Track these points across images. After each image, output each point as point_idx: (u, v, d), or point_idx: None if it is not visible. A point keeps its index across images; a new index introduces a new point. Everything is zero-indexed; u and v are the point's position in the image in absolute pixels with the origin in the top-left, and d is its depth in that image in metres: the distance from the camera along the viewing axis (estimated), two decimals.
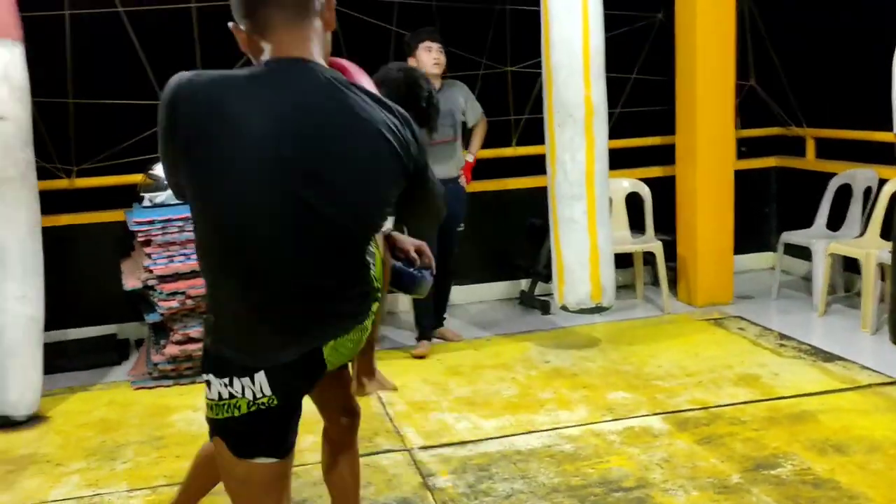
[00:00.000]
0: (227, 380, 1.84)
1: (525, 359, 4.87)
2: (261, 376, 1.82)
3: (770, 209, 6.76)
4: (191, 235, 4.42)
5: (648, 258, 6.02)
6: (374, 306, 2.02)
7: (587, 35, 4.58)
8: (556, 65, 4.62)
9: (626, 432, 3.83)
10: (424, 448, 3.77)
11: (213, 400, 1.87)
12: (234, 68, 1.85)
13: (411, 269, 2.46)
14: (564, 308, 4.89)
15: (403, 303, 6.02)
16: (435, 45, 4.93)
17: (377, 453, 3.73)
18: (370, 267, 1.98)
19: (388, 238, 2.44)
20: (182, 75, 1.75)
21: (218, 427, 1.90)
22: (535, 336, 5.29)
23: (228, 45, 2.05)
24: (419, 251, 2.47)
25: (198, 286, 4.53)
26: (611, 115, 6.18)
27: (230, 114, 1.70)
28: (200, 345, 4.54)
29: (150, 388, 4.64)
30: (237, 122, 1.69)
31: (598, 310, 4.88)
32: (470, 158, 5.23)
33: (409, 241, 2.49)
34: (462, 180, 5.11)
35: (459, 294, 6.19)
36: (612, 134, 6.20)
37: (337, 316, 1.89)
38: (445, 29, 5.87)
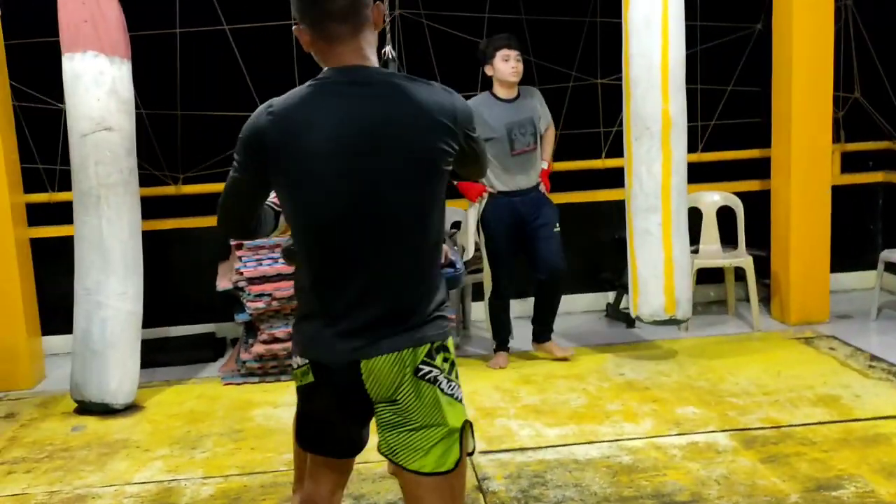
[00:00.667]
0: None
1: (600, 370, 4.88)
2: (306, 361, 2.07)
3: (875, 226, 6.50)
4: (278, 240, 4.67)
5: (742, 273, 5.90)
6: (433, 354, 2.00)
7: (666, 48, 4.58)
8: (635, 79, 4.64)
9: (690, 447, 3.80)
10: (485, 452, 3.85)
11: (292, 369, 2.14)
12: None
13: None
14: (639, 319, 4.88)
15: (479, 312, 6.09)
16: (513, 53, 4.76)
17: None
18: (438, 291, 2.05)
19: None
20: (259, 113, 2.01)
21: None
22: (615, 348, 5.28)
23: None
24: None
25: (283, 288, 4.76)
26: (705, 127, 6.17)
27: (304, 130, 1.94)
28: (285, 345, 4.77)
29: (237, 384, 4.90)
30: (311, 135, 1.94)
31: (673, 322, 4.84)
32: (545, 165, 5.15)
33: None
34: (542, 187, 5.07)
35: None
36: (706, 146, 6.18)
37: (381, 326, 1.97)
38: (535, 41, 5.97)
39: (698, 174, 6.10)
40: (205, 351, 5.47)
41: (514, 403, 4.44)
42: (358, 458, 2.23)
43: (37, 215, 5.46)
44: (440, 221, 2.07)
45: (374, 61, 2.03)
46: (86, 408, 4.57)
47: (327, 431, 2.13)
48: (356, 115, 1.94)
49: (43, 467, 3.94)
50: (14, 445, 4.23)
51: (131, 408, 4.63)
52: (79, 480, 3.78)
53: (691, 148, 6.13)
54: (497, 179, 4.83)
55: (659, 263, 4.67)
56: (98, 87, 4.37)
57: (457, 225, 5.88)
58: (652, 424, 4.07)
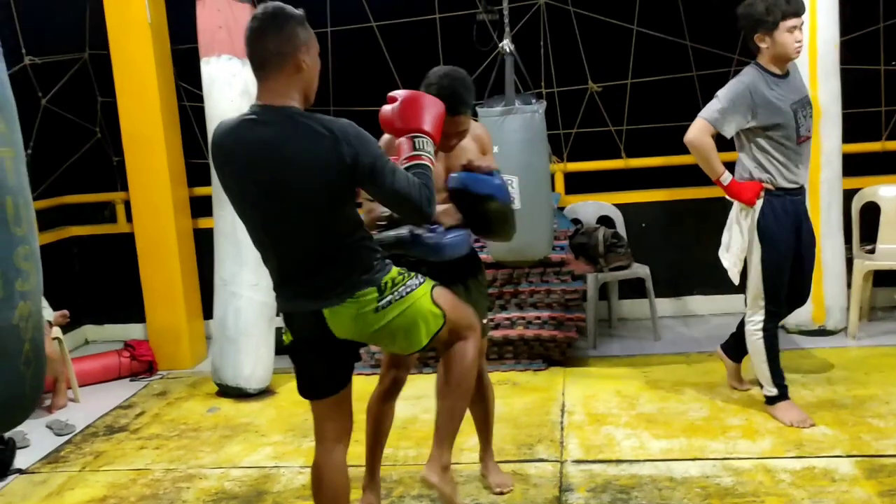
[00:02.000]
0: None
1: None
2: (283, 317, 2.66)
3: None
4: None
5: None
6: (370, 293, 2.51)
7: (814, 29, 4.14)
8: None
9: (804, 472, 3.44)
10: (578, 462, 3.70)
11: None
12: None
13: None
14: (783, 329, 4.45)
15: (625, 310, 5.83)
16: (800, 23, 3.75)
17: (530, 461, 3.74)
18: (357, 256, 2.53)
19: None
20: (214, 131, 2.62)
21: None
22: None
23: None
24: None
25: None
26: (890, 113, 5.51)
27: (227, 153, 2.54)
28: None
29: (366, 374, 5.00)
30: (232, 158, 2.53)
31: (823, 333, 4.38)
32: None
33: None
34: None
35: (704, 304, 5.89)
36: (892, 135, 5.53)
37: (325, 289, 2.51)
38: (692, 24, 5.60)
39: (881, 165, 5.50)
40: None
41: (629, 411, 4.22)
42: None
43: (205, 207, 5.86)
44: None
45: (290, 102, 2.49)
46: (224, 391, 4.88)
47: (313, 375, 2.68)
48: (259, 145, 2.50)
49: (170, 445, 4.26)
50: (155, 422, 4.60)
51: (264, 392, 4.88)
52: (195, 460, 4.05)
53: (873, 136, 5.55)
54: (779, 173, 3.82)
55: None
56: (231, 88, 4.62)
57: (577, 222, 5.67)
58: (771, 444, 3.72)
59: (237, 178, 2.53)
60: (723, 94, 3.76)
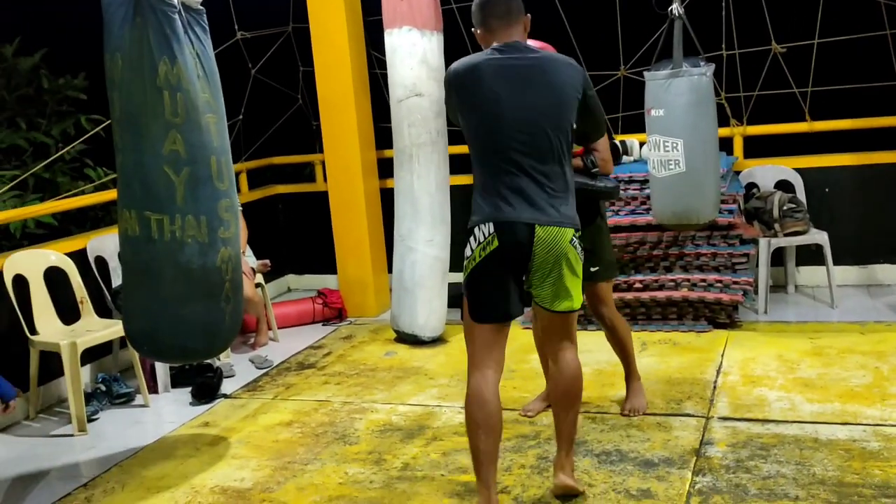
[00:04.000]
0: (473, 235, 2.93)
1: None
2: (491, 225, 2.89)
3: None
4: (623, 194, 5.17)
5: None
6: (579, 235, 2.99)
7: None
8: None
9: None
10: (724, 419, 3.78)
11: (465, 259, 2.97)
12: None
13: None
14: None
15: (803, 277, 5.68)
16: None
17: (676, 415, 3.86)
18: (571, 188, 3.00)
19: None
20: (452, 66, 3.02)
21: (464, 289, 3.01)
22: None
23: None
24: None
25: None
26: None
27: (479, 79, 2.93)
28: None
29: (530, 328, 5.26)
30: (483, 82, 2.92)
31: None
32: None
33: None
34: None
35: (892, 274, 5.66)
36: None
37: (543, 207, 2.89)
38: None
39: None
40: None
41: (787, 375, 4.22)
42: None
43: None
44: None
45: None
46: (401, 337, 5.31)
47: (497, 289, 2.94)
48: (510, 71, 2.98)
49: (350, 382, 4.72)
50: (339, 362, 5.10)
51: (437, 341, 5.26)
52: (369, 396, 4.48)
53: None
54: None
55: None
56: (411, 57, 4.97)
57: (753, 186, 5.57)
58: None
59: (486, 94, 2.91)
60: None
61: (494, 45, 2.97)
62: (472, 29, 3.09)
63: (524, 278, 2.98)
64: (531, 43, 3.14)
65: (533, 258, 2.90)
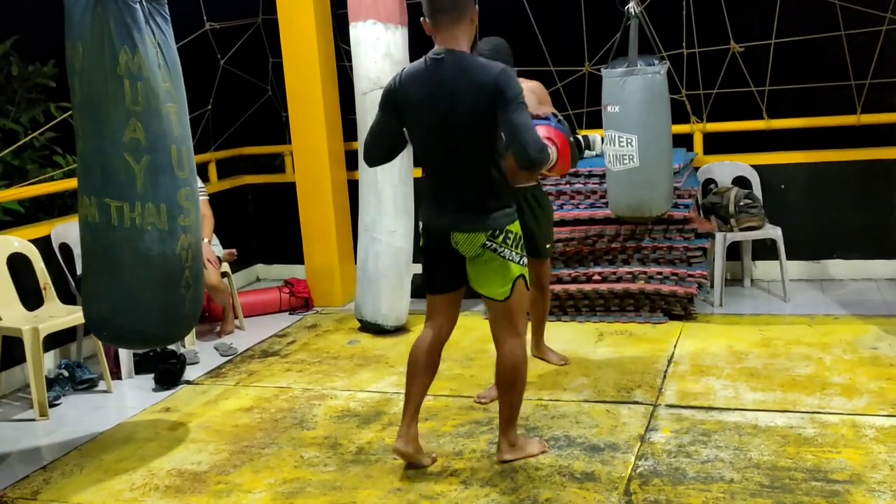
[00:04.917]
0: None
1: (853, 342, 4.53)
2: (422, 225, 3.34)
3: None
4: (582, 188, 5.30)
5: None
6: (495, 236, 3.17)
7: None
8: None
9: (891, 430, 3.49)
10: (670, 406, 3.90)
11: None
12: None
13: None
14: None
15: (760, 272, 5.83)
16: None
17: (625, 402, 3.98)
18: (493, 191, 3.17)
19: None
20: (393, 78, 3.28)
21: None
22: (889, 321, 4.81)
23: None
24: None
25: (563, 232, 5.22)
26: None
27: (410, 91, 3.17)
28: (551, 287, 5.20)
29: None
30: (413, 96, 3.16)
31: None
32: None
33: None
34: None
35: (843, 269, 5.81)
36: None
37: (460, 213, 3.18)
38: None
39: None
40: None
41: (734, 364, 4.35)
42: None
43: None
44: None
45: (462, 47, 3.12)
46: (365, 326, 5.39)
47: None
48: (435, 83, 3.14)
49: (311, 370, 4.81)
50: (303, 350, 5.18)
51: (400, 330, 5.35)
52: (329, 383, 4.57)
53: None
54: None
55: None
56: (375, 50, 5.05)
57: (711, 182, 5.69)
58: (866, 402, 3.77)
59: (415, 107, 3.19)
60: None
61: (429, 53, 3.15)
62: (421, 18, 3.19)
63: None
64: (483, 42, 3.28)
65: (458, 251, 3.25)
